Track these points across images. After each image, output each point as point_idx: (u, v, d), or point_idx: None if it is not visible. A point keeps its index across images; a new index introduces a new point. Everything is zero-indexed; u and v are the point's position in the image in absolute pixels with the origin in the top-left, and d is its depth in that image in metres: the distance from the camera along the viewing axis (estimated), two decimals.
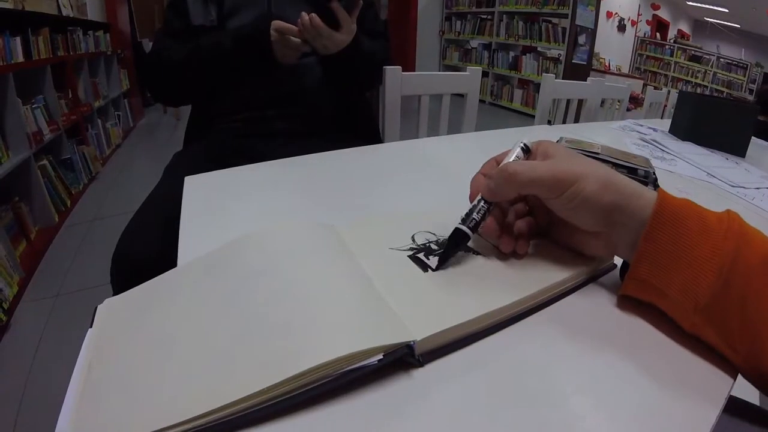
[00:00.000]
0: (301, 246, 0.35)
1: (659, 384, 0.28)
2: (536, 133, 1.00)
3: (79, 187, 2.49)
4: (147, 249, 0.67)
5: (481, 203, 0.37)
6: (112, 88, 3.56)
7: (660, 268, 0.31)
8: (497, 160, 0.40)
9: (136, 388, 0.25)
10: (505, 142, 0.42)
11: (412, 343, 0.27)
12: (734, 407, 0.31)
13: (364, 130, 1.08)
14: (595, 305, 0.35)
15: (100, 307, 0.32)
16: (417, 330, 0.28)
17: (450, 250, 0.37)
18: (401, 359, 0.27)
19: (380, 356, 0.25)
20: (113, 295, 0.67)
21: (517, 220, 0.39)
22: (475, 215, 0.37)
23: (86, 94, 2.91)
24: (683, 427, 0.25)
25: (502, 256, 0.38)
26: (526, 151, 0.39)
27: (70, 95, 2.57)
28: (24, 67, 1.99)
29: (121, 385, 0.25)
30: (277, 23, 0.85)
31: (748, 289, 0.28)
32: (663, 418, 0.26)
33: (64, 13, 2.61)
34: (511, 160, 0.38)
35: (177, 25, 0.95)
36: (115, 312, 0.32)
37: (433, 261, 0.36)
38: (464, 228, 0.37)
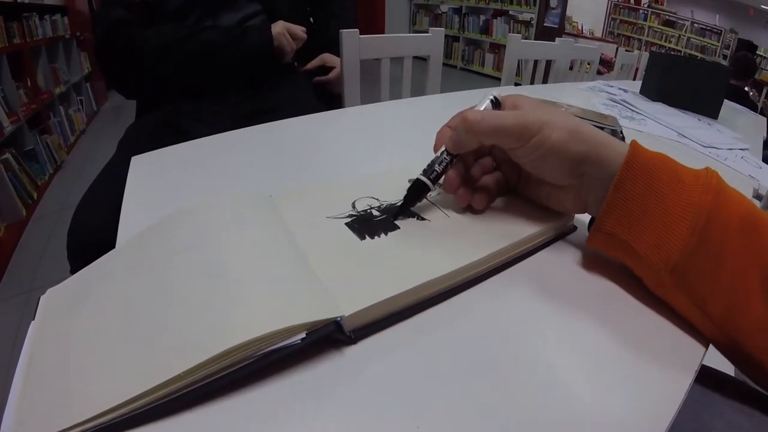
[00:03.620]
0: (230, 220, 0.33)
1: (628, 351, 0.27)
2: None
3: (44, 177, 2.41)
4: (100, 223, 0.65)
5: (444, 155, 0.36)
6: (73, 72, 3.40)
7: (629, 221, 0.30)
8: None
9: (69, 379, 0.23)
10: (469, 103, 0.40)
11: (338, 319, 0.25)
12: (707, 378, 0.30)
13: (323, 96, 1.07)
14: (558, 268, 0.34)
15: (42, 298, 0.30)
16: (347, 305, 0.26)
17: (409, 202, 0.36)
18: (330, 337, 0.25)
19: (303, 335, 0.24)
20: (70, 271, 0.66)
21: (484, 176, 0.38)
22: (437, 167, 0.36)
23: (46, 81, 2.78)
24: (655, 397, 0.24)
25: (451, 220, 0.36)
26: (496, 104, 0.37)
27: (29, 84, 2.46)
28: None
29: (57, 378, 0.24)
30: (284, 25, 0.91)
31: (724, 249, 0.27)
32: (632, 387, 0.25)
33: None
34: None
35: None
36: (56, 301, 0.30)
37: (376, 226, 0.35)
38: (425, 179, 0.36)
